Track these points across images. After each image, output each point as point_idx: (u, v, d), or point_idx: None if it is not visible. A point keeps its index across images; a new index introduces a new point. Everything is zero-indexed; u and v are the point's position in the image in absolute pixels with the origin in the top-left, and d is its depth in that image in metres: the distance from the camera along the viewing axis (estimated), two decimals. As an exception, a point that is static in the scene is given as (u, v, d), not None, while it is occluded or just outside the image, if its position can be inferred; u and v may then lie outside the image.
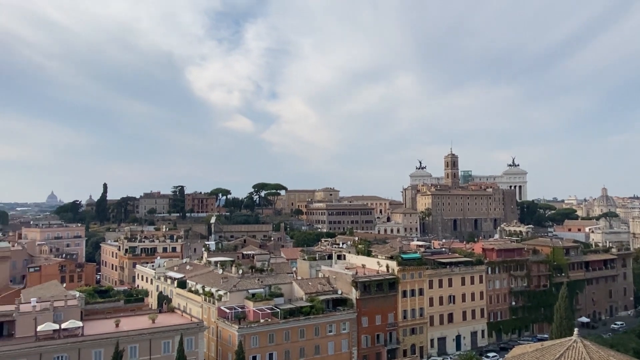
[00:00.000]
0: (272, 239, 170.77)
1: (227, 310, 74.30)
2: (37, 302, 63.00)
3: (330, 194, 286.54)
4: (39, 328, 57.63)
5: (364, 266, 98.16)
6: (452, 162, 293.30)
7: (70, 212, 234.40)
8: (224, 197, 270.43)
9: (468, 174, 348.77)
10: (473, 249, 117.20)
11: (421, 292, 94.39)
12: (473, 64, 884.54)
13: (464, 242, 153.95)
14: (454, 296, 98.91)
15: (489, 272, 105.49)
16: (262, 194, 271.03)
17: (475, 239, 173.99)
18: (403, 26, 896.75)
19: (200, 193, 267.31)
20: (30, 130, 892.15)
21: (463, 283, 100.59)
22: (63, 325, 58.72)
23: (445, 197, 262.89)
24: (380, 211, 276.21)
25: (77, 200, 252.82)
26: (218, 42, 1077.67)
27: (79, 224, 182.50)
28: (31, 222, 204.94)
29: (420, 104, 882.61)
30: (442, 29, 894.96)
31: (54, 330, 58.17)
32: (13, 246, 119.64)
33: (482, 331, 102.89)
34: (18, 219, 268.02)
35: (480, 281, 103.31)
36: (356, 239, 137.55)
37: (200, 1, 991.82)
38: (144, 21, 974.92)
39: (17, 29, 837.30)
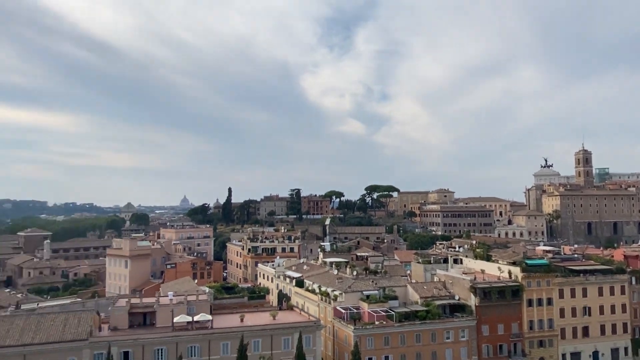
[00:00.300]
0: (385, 241, 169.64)
1: (343, 311, 75.30)
2: (173, 296, 69.89)
3: (445, 196, 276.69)
4: (175, 319, 63.78)
5: (482, 271, 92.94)
6: (585, 158, 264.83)
7: (200, 214, 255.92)
8: (338, 200, 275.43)
9: (604, 171, 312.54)
10: (612, 256, 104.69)
11: (550, 301, 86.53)
12: (606, 50, 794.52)
13: (601, 248, 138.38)
14: (589, 307, 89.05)
15: (634, 282, 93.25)
16: (375, 196, 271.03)
17: (615, 245, 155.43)
18: (523, 14, 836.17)
19: (315, 196, 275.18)
20: (167, 142, 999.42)
21: (601, 294, 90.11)
22: (195, 318, 64.28)
23: (577, 197, 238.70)
24: (500, 213, 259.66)
25: (206, 204, 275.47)
26: (329, 49, 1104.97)
27: (208, 225, 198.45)
28: (167, 224, 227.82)
29: (544, 97, 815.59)
30: (568, 13, 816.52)
31: (188, 322, 63.93)
32: (153, 245, 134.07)
33: (625, 348, 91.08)
34: (157, 221, 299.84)
35: (622, 292, 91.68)
36: (474, 242, 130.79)
37: (311, 11, 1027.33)
38: (261, 34, 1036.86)
39: (155, 51, 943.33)
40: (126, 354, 59.13)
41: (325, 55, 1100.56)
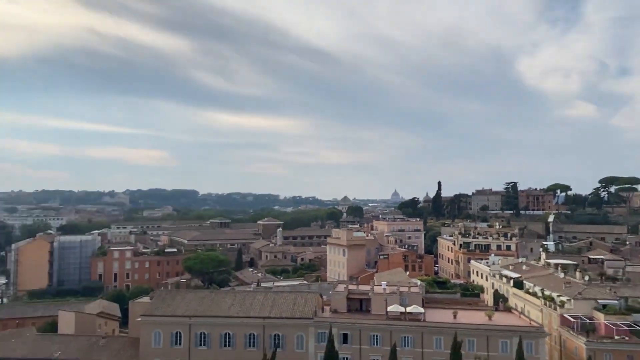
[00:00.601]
0: (628, 243, 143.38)
1: (572, 319, 66.61)
2: (386, 285, 72.34)
3: None
4: (389, 308, 65.89)
5: None
6: None
7: (409, 208, 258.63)
8: (563, 194, 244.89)
9: None
10: None
11: None
12: None
13: None
14: None
15: None
16: (612, 189, 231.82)
17: None
18: None
19: (535, 189, 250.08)
20: (379, 138, 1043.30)
21: None
22: (408, 309, 65.29)
23: None
24: None
25: (416, 197, 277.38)
26: (551, 25, 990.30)
27: (418, 219, 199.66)
28: (380, 216, 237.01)
29: None
30: None
31: (401, 313, 65.35)
32: (367, 236, 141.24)
33: None
34: (370, 213, 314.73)
35: None
36: None
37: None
38: (471, 20, 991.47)
39: (365, 52, 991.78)
40: (345, 335, 63.71)
41: (546, 32, 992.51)
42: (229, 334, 65.03)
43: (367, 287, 74.51)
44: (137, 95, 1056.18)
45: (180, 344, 65.21)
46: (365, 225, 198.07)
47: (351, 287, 74.76)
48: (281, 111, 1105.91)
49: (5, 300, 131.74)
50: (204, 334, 65.32)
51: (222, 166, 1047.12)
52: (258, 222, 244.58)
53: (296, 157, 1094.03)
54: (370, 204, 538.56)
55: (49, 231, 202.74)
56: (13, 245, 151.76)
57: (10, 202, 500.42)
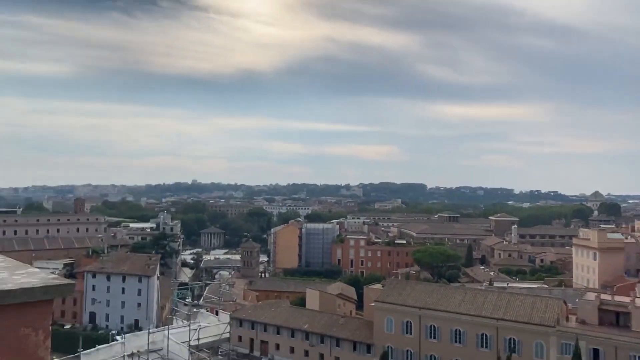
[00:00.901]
0: None
1: None
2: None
3: None
4: (658, 328, 54.41)
5: None
6: None
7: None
8: None
9: None
10: None
11: None
12: None
13: None
14: None
15: None
16: None
17: None
18: None
19: None
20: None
21: None
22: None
23: None
24: None
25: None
26: None
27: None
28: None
29: None
30: None
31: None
32: (626, 238, 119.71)
33: None
34: (630, 212, 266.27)
35: None
36: None
37: None
38: None
39: (621, 21, 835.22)
40: (596, 351, 55.40)
41: None
42: (459, 331, 63.70)
43: (625, 299, 63.16)
44: (367, 95, 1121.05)
45: (410, 333, 66.90)
46: (624, 225, 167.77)
47: (604, 296, 64.43)
48: (514, 98, 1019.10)
49: (267, 274, 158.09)
50: (434, 327, 65.49)
51: (450, 159, 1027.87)
52: (490, 217, 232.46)
53: (533, 147, 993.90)
54: (630, 201, 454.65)
55: (298, 219, 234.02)
56: (272, 230, 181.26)
57: (270, 193, 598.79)
